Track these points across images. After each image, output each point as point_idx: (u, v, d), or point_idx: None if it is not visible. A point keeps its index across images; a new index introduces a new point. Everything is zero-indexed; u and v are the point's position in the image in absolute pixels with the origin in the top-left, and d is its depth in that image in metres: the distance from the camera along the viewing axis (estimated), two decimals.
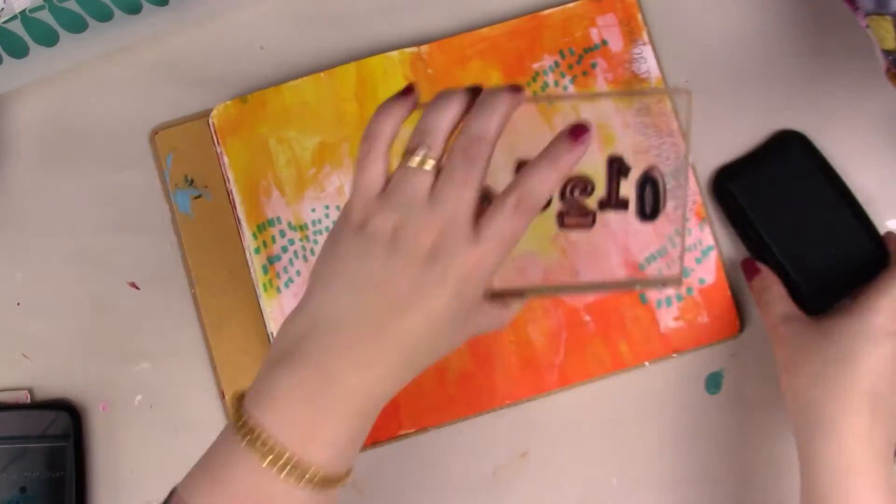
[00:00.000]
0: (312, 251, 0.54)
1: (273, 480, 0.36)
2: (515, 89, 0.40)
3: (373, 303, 0.38)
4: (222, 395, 0.55)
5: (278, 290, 0.54)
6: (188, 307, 0.56)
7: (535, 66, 0.55)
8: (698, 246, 0.55)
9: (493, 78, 0.55)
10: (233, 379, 0.55)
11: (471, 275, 0.38)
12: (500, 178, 0.43)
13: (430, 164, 0.39)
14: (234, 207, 0.55)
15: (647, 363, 0.54)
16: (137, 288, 0.56)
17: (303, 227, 0.55)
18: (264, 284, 0.54)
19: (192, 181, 0.56)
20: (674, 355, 0.54)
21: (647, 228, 0.54)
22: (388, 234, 0.38)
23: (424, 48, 0.55)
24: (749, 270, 0.54)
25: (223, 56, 0.57)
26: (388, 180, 0.40)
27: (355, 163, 0.40)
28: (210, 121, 0.55)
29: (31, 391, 0.56)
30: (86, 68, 0.57)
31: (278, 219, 0.54)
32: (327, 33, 0.57)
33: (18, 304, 0.56)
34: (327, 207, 0.55)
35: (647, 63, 0.55)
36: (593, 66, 0.55)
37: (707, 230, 0.55)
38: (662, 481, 0.55)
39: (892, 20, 0.46)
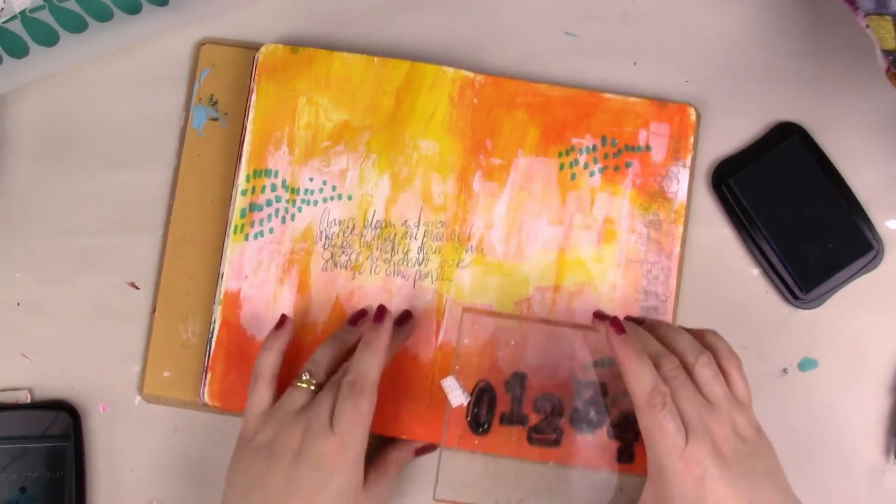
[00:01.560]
0: (293, 217, 0.54)
1: None
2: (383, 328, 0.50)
3: (259, 496, 0.46)
4: (153, 309, 0.55)
5: (246, 237, 0.54)
6: None
7: (575, 140, 0.55)
8: None
9: (530, 134, 0.55)
10: (168, 299, 0.55)
11: (335, 457, 0.46)
12: None
13: (311, 385, 0.49)
14: (241, 143, 0.55)
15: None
16: (137, 288, 0.56)
17: (294, 191, 0.55)
18: (236, 227, 0.54)
19: (215, 102, 0.56)
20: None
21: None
22: (268, 442, 0.47)
23: (480, 77, 0.55)
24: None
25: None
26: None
27: (248, 391, 0.50)
28: (256, 55, 0.55)
29: (31, 391, 0.56)
30: (86, 68, 0.57)
31: (276, 173, 0.54)
32: (405, 20, 0.57)
33: (18, 304, 0.56)
34: (325, 183, 0.55)
35: (679, 185, 0.55)
36: (628, 165, 0.55)
37: None
38: None
39: (892, 20, 0.46)
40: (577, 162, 0.55)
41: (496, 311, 0.54)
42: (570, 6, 0.58)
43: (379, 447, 0.53)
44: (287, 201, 0.55)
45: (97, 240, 0.57)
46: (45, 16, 0.51)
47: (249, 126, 0.55)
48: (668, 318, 0.55)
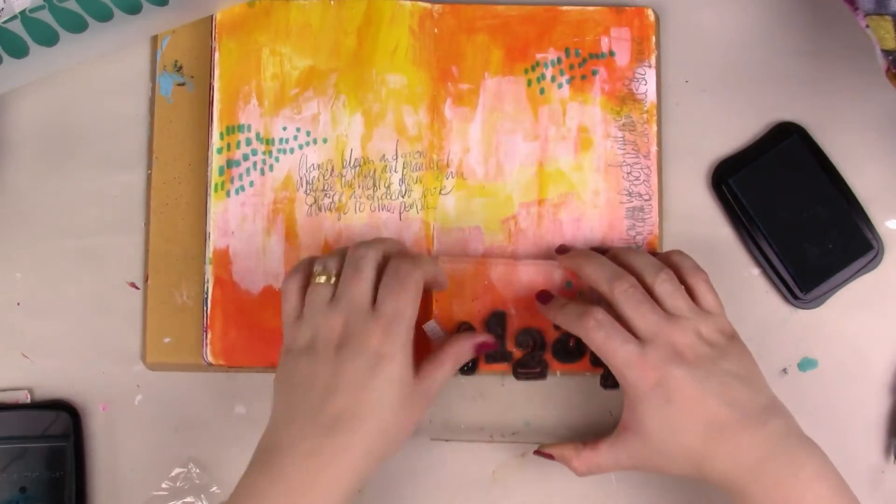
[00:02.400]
0: (271, 167, 0.55)
1: None
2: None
3: (305, 398, 0.45)
4: (146, 278, 0.56)
5: (228, 194, 0.54)
6: None
7: (539, 56, 0.56)
8: None
9: (494, 55, 0.56)
10: (159, 267, 0.55)
11: (381, 341, 0.45)
12: None
13: (329, 277, 0.48)
14: (210, 103, 0.55)
15: (558, 373, 0.54)
16: (137, 288, 0.56)
17: (269, 142, 0.55)
18: (216, 185, 0.54)
19: (180, 68, 0.57)
20: (585, 375, 0.54)
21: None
22: (309, 342, 0.46)
23: (437, 7, 0.56)
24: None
25: None
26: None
27: (281, 303, 0.49)
28: (213, 15, 0.55)
29: (31, 391, 0.55)
30: (86, 68, 0.57)
31: (248, 126, 0.55)
32: None
33: (18, 304, 0.56)
34: (298, 130, 0.55)
35: (647, 86, 0.56)
36: (594, 73, 0.56)
37: None
38: (662, 481, 0.55)
39: (892, 20, 0.46)
40: (543, 77, 0.56)
41: (466, 257, 0.54)
42: None
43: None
44: (263, 153, 0.55)
45: (97, 240, 0.56)
46: (45, 16, 0.50)
47: (216, 84, 0.55)
48: (654, 217, 0.55)
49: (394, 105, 0.55)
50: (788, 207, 0.55)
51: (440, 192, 0.55)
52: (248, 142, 0.55)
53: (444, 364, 0.49)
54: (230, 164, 0.55)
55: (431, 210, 0.55)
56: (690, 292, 0.49)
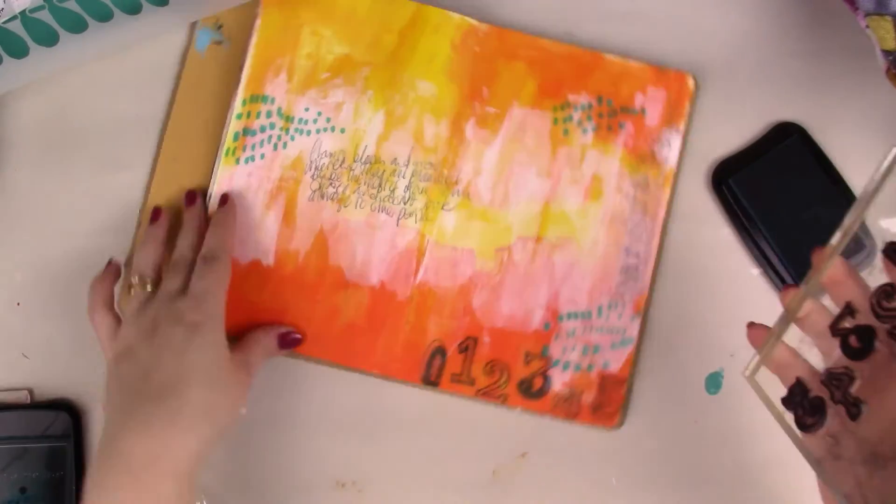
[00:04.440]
0: (285, 145, 0.55)
1: None
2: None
3: (131, 385, 0.46)
4: (137, 225, 0.56)
5: (237, 161, 0.55)
6: None
7: (571, 97, 0.56)
8: (621, 333, 0.55)
9: (528, 86, 0.55)
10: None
11: (193, 312, 0.48)
12: None
13: (145, 285, 0.51)
14: (241, 68, 0.55)
15: (519, 408, 0.54)
16: None
17: (289, 119, 0.55)
18: (228, 149, 0.55)
19: (220, 26, 0.57)
20: (545, 416, 0.54)
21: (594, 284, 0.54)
22: (128, 344, 0.48)
23: (484, 27, 0.55)
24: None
25: None
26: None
27: (93, 326, 0.51)
28: None
29: (31, 391, 0.55)
30: (86, 68, 0.57)
31: (272, 99, 0.55)
32: None
33: (18, 304, 0.56)
34: (319, 114, 0.55)
35: (671, 151, 0.56)
36: (621, 126, 0.56)
37: (637, 323, 0.55)
38: (662, 481, 0.55)
39: (892, 20, 0.46)
40: (570, 118, 0.56)
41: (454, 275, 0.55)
42: (570, 6, 0.58)
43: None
44: (281, 129, 0.55)
45: (97, 240, 0.56)
46: (45, 16, 0.50)
47: (251, 50, 0.55)
48: (646, 279, 0.55)
49: (418, 112, 0.55)
50: (788, 207, 0.55)
51: (442, 207, 0.55)
52: (269, 114, 0.55)
53: (253, 350, 0.52)
54: (246, 132, 0.55)
55: (430, 223, 0.55)
56: None
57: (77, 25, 0.51)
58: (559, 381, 0.54)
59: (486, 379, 0.54)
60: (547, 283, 0.55)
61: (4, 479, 0.53)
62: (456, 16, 0.55)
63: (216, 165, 0.55)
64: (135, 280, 0.51)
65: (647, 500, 0.55)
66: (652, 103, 0.56)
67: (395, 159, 0.55)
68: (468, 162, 0.55)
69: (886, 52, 0.48)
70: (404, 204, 0.55)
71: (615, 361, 0.54)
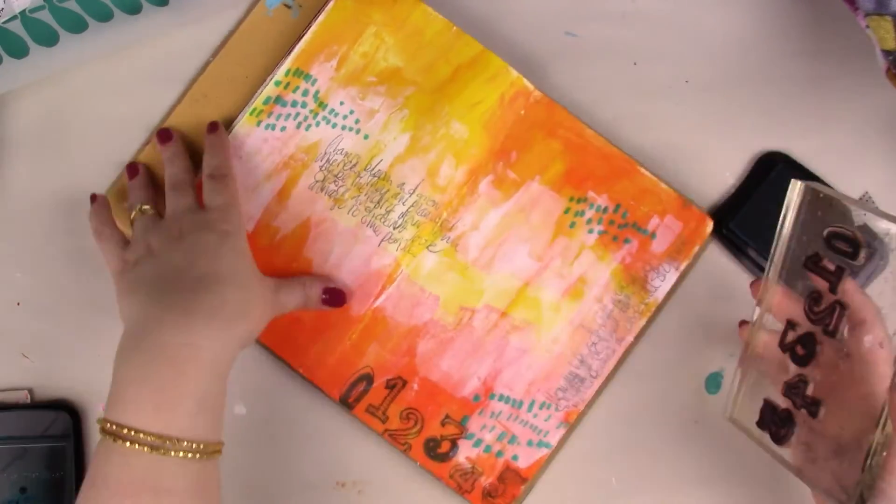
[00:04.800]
0: (308, 127, 0.55)
1: (148, 462, 0.41)
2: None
3: (161, 281, 0.47)
4: (146, 143, 0.56)
5: (258, 123, 0.55)
6: None
7: (591, 193, 0.55)
8: (541, 435, 0.54)
9: (555, 167, 0.55)
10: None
11: (220, 222, 0.49)
12: None
13: (145, 209, 0.52)
14: (298, 39, 0.55)
15: (417, 463, 0.54)
16: None
17: (322, 105, 0.55)
18: (254, 110, 0.55)
19: None
20: (441, 481, 0.54)
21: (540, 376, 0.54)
22: (144, 251, 0.49)
23: (538, 94, 0.55)
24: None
25: None
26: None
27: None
28: None
29: (31, 391, 0.55)
30: (86, 68, 0.57)
31: (315, 81, 0.55)
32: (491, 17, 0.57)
33: (18, 304, 0.56)
34: (351, 112, 0.55)
35: (663, 284, 0.55)
36: (626, 241, 0.55)
37: (561, 432, 0.54)
38: (662, 481, 0.55)
39: (892, 20, 0.46)
40: (582, 213, 0.55)
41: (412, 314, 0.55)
42: (570, 6, 0.58)
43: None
44: (311, 111, 0.55)
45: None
46: (45, 16, 0.50)
47: (314, 27, 0.55)
48: (588, 393, 0.54)
49: (442, 149, 0.55)
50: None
51: (427, 247, 0.55)
52: (305, 93, 0.55)
53: (294, 287, 0.52)
54: (278, 100, 0.55)
55: (410, 256, 0.54)
56: None
57: (77, 25, 0.52)
58: (464, 454, 0.54)
59: (399, 423, 0.54)
60: (493, 358, 0.54)
61: (4, 479, 0.53)
62: (515, 72, 0.55)
63: (238, 120, 0.55)
64: (137, 206, 0.52)
65: (647, 500, 0.55)
66: (665, 231, 0.55)
67: (403, 184, 0.55)
68: (470, 214, 0.55)
69: (886, 52, 0.48)
70: (394, 229, 0.55)
71: (525, 458, 0.54)
